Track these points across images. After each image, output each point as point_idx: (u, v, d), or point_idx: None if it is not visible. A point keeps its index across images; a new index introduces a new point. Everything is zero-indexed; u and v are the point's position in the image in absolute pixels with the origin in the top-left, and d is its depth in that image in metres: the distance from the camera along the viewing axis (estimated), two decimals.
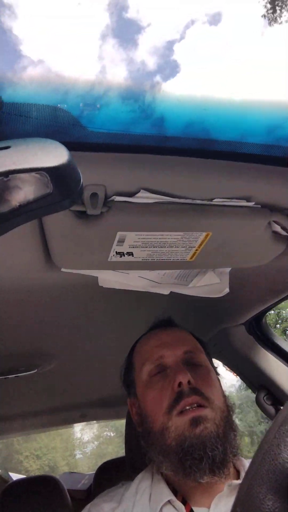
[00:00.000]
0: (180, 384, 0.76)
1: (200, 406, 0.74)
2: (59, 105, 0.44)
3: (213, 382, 0.81)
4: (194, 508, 0.71)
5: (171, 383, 0.77)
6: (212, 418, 0.73)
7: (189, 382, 0.76)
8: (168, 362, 0.82)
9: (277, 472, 0.33)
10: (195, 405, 0.74)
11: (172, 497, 0.72)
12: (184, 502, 0.72)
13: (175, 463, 0.71)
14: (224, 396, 0.81)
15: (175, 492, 0.74)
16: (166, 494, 0.73)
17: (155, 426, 0.76)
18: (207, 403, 0.75)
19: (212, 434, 0.71)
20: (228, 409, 0.79)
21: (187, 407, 0.73)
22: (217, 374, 0.88)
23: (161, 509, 0.71)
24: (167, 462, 0.73)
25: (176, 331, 0.91)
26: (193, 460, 0.69)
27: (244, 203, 0.63)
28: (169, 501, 0.72)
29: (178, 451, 0.71)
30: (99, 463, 1.80)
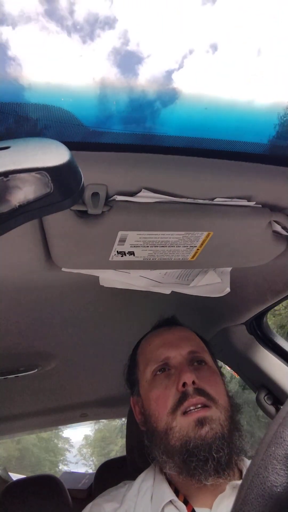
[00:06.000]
0: (184, 384, 0.75)
1: (205, 406, 0.74)
2: (62, 98, 0.43)
3: (217, 382, 0.81)
4: (196, 508, 0.71)
5: (175, 383, 0.77)
6: (217, 419, 0.73)
7: (193, 382, 0.75)
8: (173, 362, 0.82)
9: (266, 496, 0.32)
10: (200, 405, 0.73)
11: (173, 497, 0.72)
12: (186, 502, 0.72)
13: (179, 464, 0.71)
14: (229, 396, 0.81)
15: (177, 492, 0.74)
16: (167, 494, 0.73)
17: (159, 425, 0.75)
18: (212, 403, 0.74)
19: (218, 435, 0.70)
20: (232, 408, 0.78)
21: (192, 408, 0.73)
22: (222, 374, 0.87)
23: (162, 509, 0.71)
24: (171, 462, 0.72)
25: (180, 330, 0.91)
26: (198, 462, 0.68)
27: (245, 202, 0.63)
28: (170, 501, 0.72)
29: (182, 451, 0.70)
30: None
